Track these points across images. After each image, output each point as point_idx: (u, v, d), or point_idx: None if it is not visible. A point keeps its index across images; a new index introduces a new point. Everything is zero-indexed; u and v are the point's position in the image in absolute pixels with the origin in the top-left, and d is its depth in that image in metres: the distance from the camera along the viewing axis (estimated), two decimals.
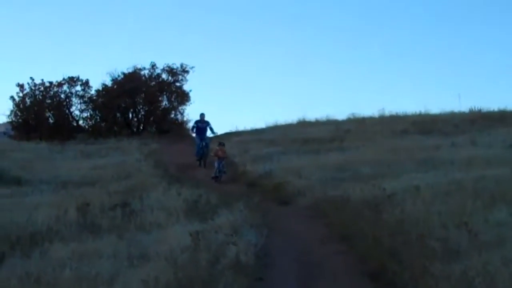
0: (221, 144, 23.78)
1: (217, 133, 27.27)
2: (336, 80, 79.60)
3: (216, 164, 22.86)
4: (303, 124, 37.69)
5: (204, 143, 25.87)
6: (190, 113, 44.01)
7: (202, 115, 26.61)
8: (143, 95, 43.17)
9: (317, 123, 37.12)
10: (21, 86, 41.82)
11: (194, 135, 27.34)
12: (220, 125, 70.16)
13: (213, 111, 74.31)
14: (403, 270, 8.72)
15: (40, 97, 42.14)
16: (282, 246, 11.69)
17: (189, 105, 44.70)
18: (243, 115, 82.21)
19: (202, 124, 26.29)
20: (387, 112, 38.15)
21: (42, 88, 42.29)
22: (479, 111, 36.03)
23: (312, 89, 78.42)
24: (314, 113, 65.68)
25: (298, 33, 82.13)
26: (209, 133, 26.57)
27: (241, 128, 38.69)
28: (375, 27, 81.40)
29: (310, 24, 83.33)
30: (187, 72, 44.05)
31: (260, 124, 47.38)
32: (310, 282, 9.62)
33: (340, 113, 51.66)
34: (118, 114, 43.85)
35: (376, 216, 11.90)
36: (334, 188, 17.04)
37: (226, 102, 75.17)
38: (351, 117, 38.51)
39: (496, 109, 36.04)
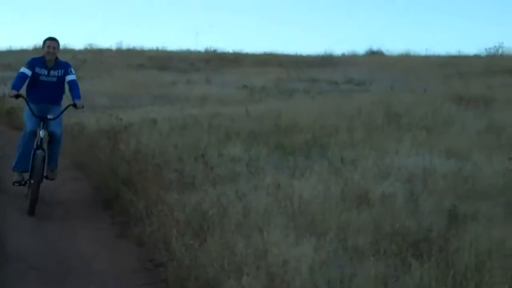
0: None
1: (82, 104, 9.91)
2: (71, 8, 77.63)
3: None
4: (39, 51, 36.50)
5: (43, 131, 9.44)
6: None
7: (52, 41, 9.80)
8: None
9: None
10: None
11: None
12: None
13: None
14: (137, 199, 8.75)
15: None
16: None
17: None
18: None
19: (48, 73, 9.79)
20: (124, 46, 38.33)
21: None
22: (215, 51, 37.28)
23: (50, 15, 75.85)
24: None
25: None
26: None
27: None
28: None
29: None
30: None
31: None
32: (42, 207, 9.36)
33: (77, 43, 50.33)
34: None
35: (113, 145, 11.81)
36: (68, 116, 16.67)
37: None
38: (88, 47, 38.33)
39: (231, 50, 37.46)
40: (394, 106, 15.31)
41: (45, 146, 9.49)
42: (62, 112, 9.84)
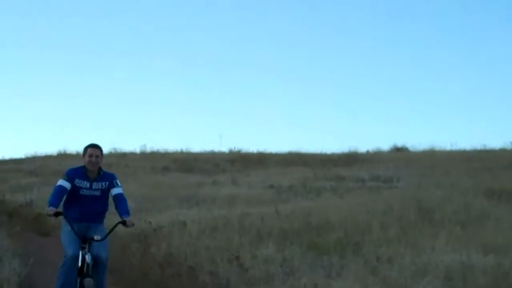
0: None
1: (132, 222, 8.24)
2: (96, 113, 78.80)
3: None
4: (63, 156, 37.14)
5: (89, 255, 7.84)
6: None
7: (94, 148, 8.56)
8: None
9: (78, 156, 36.51)
10: None
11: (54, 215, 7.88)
12: None
13: None
14: None
15: None
16: (45, 276, 11.19)
17: None
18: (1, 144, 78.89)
19: (90, 186, 8.33)
20: (148, 149, 38.86)
21: None
22: (239, 152, 37.58)
23: (74, 120, 76.95)
24: (75, 146, 64.50)
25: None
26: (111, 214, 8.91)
27: None
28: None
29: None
30: None
31: (19, 154, 46.07)
32: None
33: (103, 147, 50.90)
34: None
35: (144, 249, 11.74)
36: None
37: None
38: (113, 151, 38.82)
39: (255, 151, 37.79)
40: (425, 202, 15.17)
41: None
42: (111, 231, 8.21)
